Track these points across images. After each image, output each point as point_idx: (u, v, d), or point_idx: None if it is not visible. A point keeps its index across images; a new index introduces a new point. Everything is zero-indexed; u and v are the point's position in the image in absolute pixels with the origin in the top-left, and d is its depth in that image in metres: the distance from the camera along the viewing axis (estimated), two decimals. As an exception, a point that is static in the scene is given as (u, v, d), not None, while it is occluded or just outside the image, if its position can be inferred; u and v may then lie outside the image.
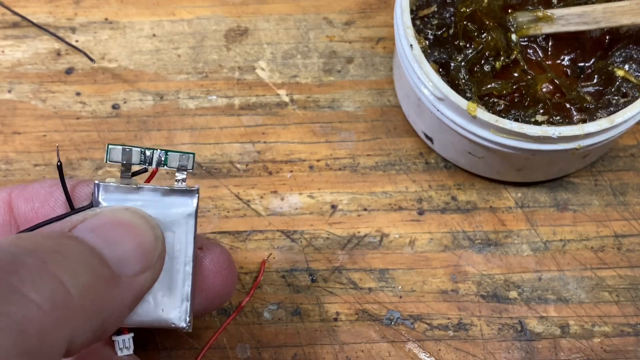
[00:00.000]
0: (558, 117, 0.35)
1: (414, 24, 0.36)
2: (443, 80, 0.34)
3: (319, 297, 0.36)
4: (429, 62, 0.34)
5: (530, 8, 0.37)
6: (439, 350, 0.35)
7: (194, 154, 0.29)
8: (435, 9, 0.37)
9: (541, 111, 0.35)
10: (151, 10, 0.42)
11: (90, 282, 0.23)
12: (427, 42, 0.36)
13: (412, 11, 0.37)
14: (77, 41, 0.41)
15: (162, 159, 0.28)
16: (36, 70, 0.41)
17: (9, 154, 0.39)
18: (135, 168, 0.28)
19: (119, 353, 0.28)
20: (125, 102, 0.40)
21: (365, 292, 0.36)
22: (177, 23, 0.42)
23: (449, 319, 0.36)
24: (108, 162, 0.28)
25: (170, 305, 0.28)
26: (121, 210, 0.26)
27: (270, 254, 0.37)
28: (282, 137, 0.39)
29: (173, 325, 0.28)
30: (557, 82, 0.36)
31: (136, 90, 0.40)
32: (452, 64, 0.36)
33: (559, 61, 0.37)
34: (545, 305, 0.36)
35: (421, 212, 0.38)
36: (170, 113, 0.40)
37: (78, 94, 0.40)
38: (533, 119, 0.35)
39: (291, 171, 0.39)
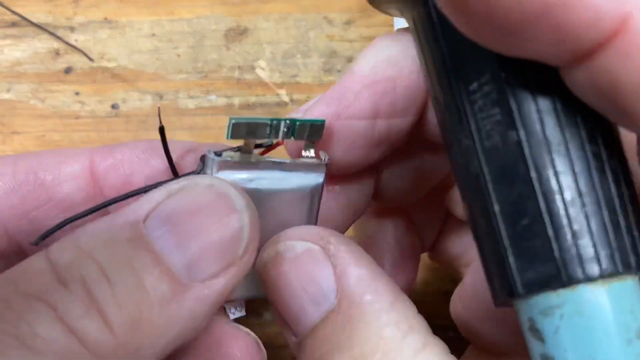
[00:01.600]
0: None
1: (414, 23, 0.36)
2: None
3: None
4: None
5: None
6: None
7: (323, 120, 0.25)
8: (436, 8, 0.37)
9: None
10: (150, 9, 0.42)
11: (138, 313, 0.19)
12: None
13: (412, 10, 0.37)
14: (76, 40, 0.41)
15: (291, 128, 0.24)
16: (35, 69, 0.41)
17: (8, 154, 0.39)
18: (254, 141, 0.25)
19: (231, 316, 0.26)
20: (124, 102, 0.40)
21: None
22: (177, 22, 0.42)
23: (449, 319, 0.36)
24: (230, 138, 0.23)
25: None
26: (203, 189, 0.21)
27: (270, 254, 0.37)
28: (282, 137, 0.39)
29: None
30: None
31: (135, 90, 0.40)
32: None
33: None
34: None
35: (422, 212, 0.38)
36: (170, 113, 0.40)
37: (77, 93, 0.40)
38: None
39: (291, 171, 0.39)
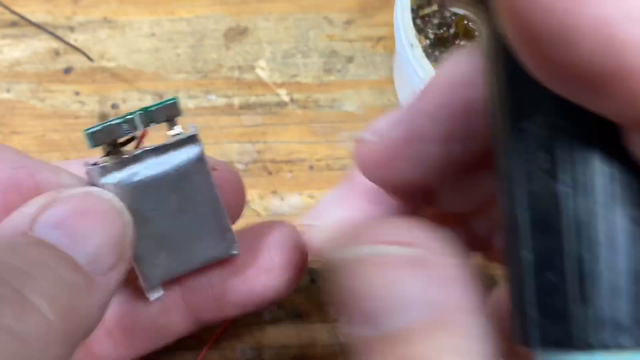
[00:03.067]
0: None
1: (414, 23, 0.36)
2: (444, 79, 0.34)
3: (319, 297, 0.36)
4: (429, 61, 0.34)
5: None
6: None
7: (176, 98, 0.27)
8: (436, 8, 0.37)
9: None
10: (150, 9, 0.42)
11: (68, 301, 0.21)
12: (427, 42, 0.36)
13: (412, 10, 0.37)
14: (75, 40, 0.41)
15: (147, 118, 0.26)
16: (34, 69, 0.41)
17: (7, 153, 0.39)
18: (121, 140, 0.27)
19: (151, 298, 0.27)
20: (124, 102, 0.40)
21: (366, 293, 0.36)
22: (176, 22, 0.42)
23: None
24: (90, 147, 0.26)
25: (216, 242, 0.28)
26: (83, 195, 0.24)
27: (270, 254, 0.37)
28: (282, 137, 0.39)
29: (225, 256, 0.28)
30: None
31: (135, 90, 0.40)
32: (453, 64, 0.36)
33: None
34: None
35: (422, 212, 0.38)
36: (170, 113, 0.40)
37: (77, 93, 0.40)
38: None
39: (291, 171, 0.39)
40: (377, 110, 0.40)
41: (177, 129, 0.27)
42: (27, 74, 0.40)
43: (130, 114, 0.26)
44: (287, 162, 0.39)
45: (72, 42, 0.41)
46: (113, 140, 0.26)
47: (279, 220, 0.30)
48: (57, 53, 0.41)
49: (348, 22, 0.42)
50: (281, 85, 0.41)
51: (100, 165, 0.25)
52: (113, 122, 0.25)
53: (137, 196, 0.26)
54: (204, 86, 0.40)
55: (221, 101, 0.40)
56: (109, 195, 0.24)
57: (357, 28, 0.42)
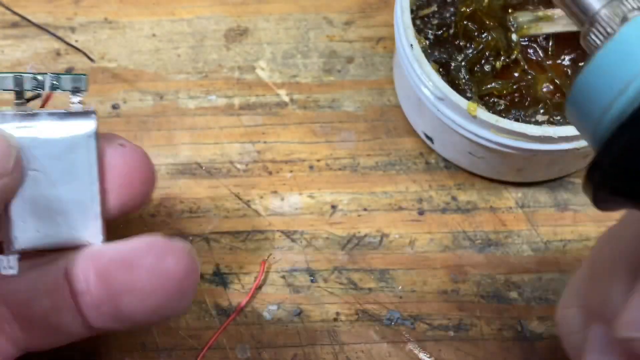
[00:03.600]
0: (558, 117, 0.35)
1: (414, 24, 0.36)
2: (443, 80, 0.34)
3: (319, 297, 0.36)
4: (429, 61, 0.34)
5: (530, 8, 0.37)
6: (440, 350, 0.35)
7: (86, 75, 0.29)
8: (436, 9, 0.37)
9: (542, 111, 0.35)
10: (151, 9, 0.42)
11: None
12: (427, 42, 0.36)
13: (412, 11, 0.37)
14: (76, 41, 0.41)
15: (55, 83, 0.28)
16: (36, 70, 0.41)
17: (8, 154, 0.39)
18: (28, 95, 0.28)
19: (2, 271, 0.28)
20: (125, 102, 0.40)
21: (366, 293, 0.36)
22: (177, 23, 0.42)
23: (449, 319, 0.36)
24: (1, 90, 0.28)
25: (82, 225, 0.28)
26: None
27: (270, 254, 0.37)
28: (282, 137, 0.39)
29: (87, 243, 0.28)
30: (558, 82, 0.36)
31: (136, 90, 0.40)
32: (453, 64, 0.36)
33: (559, 61, 0.37)
34: (546, 306, 0.36)
35: (421, 212, 0.38)
36: (170, 113, 0.40)
37: (78, 93, 0.40)
38: (533, 119, 0.35)
39: (291, 171, 0.39)
40: (376, 111, 0.40)
41: (77, 100, 0.29)
42: (29, 75, 0.41)
43: (42, 74, 0.28)
44: (287, 162, 0.39)
45: (73, 42, 0.41)
46: (20, 92, 0.28)
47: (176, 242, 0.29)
48: (58, 54, 0.41)
49: (348, 23, 0.42)
50: (281, 85, 0.41)
51: (0, 112, 0.27)
52: (25, 74, 0.28)
53: (23, 151, 0.27)
54: (205, 86, 0.40)
55: (221, 101, 0.40)
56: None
57: (356, 29, 0.42)
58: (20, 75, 0.28)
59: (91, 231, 0.28)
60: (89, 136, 0.28)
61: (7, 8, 0.41)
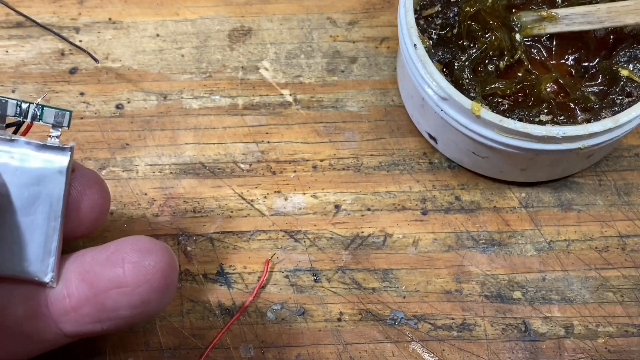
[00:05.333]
0: (562, 117, 0.35)
1: (417, 24, 0.36)
2: (447, 80, 0.34)
3: (322, 297, 0.36)
4: (432, 61, 0.34)
5: (534, 8, 0.37)
6: (443, 350, 0.35)
7: (71, 111, 0.29)
8: (439, 9, 0.37)
9: (545, 111, 0.35)
10: (155, 10, 0.42)
11: None
12: (430, 42, 0.36)
13: (415, 11, 0.37)
14: (80, 41, 0.41)
15: (38, 113, 0.28)
16: (40, 70, 0.41)
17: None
18: (10, 120, 0.28)
19: None
20: (129, 102, 0.40)
21: (369, 292, 0.36)
22: (181, 23, 0.42)
23: (452, 319, 0.36)
24: None
25: (34, 259, 0.28)
26: None
27: (274, 254, 0.37)
28: (286, 137, 0.39)
29: (36, 279, 0.28)
30: (562, 82, 0.36)
31: (140, 90, 0.40)
32: (456, 64, 0.36)
33: (563, 61, 0.37)
34: (550, 306, 0.36)
35: (425, 212, 0.38)
36: (174, 113, 0.40)
37: (82, 93, 0.40)
38: (537, 119, 0.35)
39: (295, 171, 0.39)
40: (380, 110, 0.40)
41: (56, 134, 0.29)
42: (33, 75, 0.41)
43: (27, 102, 0.28)
44: (290, 162, 0.39)
45: (77, 42, 0.41)
46: (1, 116, 0.28)
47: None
48: (62, 54, 0.41)
49: (351, 23, 0.42)
50: (285, 85, 0.41)
51: None
52: (10, 100, 0.28)
53: None
54: (208, 87, 0.41)
55: (225, 101, 0.40)
56: None
57: (360, 29, 0.42)
58: (5, 100, 0.28)
59: (42, 267, 0.28)
60: (60, 172, 0.28)
61: (12, 8, 0.41)
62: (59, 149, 0.28)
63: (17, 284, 0.28)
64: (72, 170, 0.29)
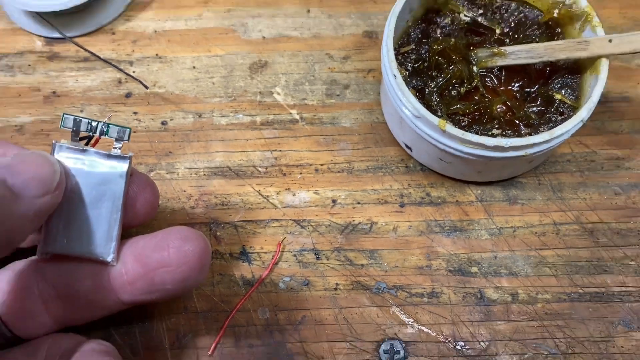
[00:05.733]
0: (509, 131, 0.35)
1: (396, 59, 0.36)
2: (419, 102, 0.34)
3: (322, 271, 0.36)
4: (408, 88, 0.34)
5: (487, 46, 0.37)
6: (416, 313, 0.35)
7: (130, 128, 0.29)
8: (414, 47, 0.37)
9: (496, 126, 0.35)
10: (192, 48, 0.42)
11: None
12: (407, 72, 0.37)
13: (395, 48, 0.37)
14: (134, 72, 0.42)
15: (105, 129, 0.28)
16: (102, 94, 0.41)
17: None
18: (83, 134, 0.29)
19: (39, 256, 0.28)
20: (171, 120, 0.40)
21: (359, 268, 0.36)
22: (212, 58, 0.42)
23: (424, 288, 0.36)
24: (62, 127, 0.28)
25: (100, 243, 0.28)
26: (27, 153, 0.26)
27: (284, 237, 0.37)
28: (294, 147, 0.40)
29: (101, 259, 0.28)
30: (509, 104, 0.36)
31: (180, 110, 0.40)
32: (427, 90, 0.36)
33: (510, 87, 0.37)
34: (500, 278, 0.36)
35: (402, 205, 0.38)
36: (207, 128, 0.40)
37: (135, 113, 0.40)
38: (490, 133, 0.35)
39: (300, 173, 0.39)
40: (367, 126, 0.40)
41: (118, 146, 0.29)
42: (97, 98, 0.41)
43: (96, 121, 0.28)
44: (297, 166, 0.39)
45: (131, 73, 0.41)
46: (76, 130, 0.28)
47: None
48: (119, 82, 0.41)
49: (345, 58, 0.42)
50: (293, 106, 0.41)
51: (59, 143, 0.28)
52: (83, 119, 0.28)
53: (68, 177, 0.27)
54: (233, 107, 0.41)
55: (246, 119, 0.40)
56: (49, 155, 0.27)
57: (352, 62, 0.42)
58: (79, 119, 0.28)
59: (105, 249, 0.28)
60: (121, 175, 0.28)
61: (80, 46, 0.42)
62: (121, 157, 0.28)
63: (86, 263, 0.29)
64: (130, 174, 0.29)
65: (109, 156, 0.28)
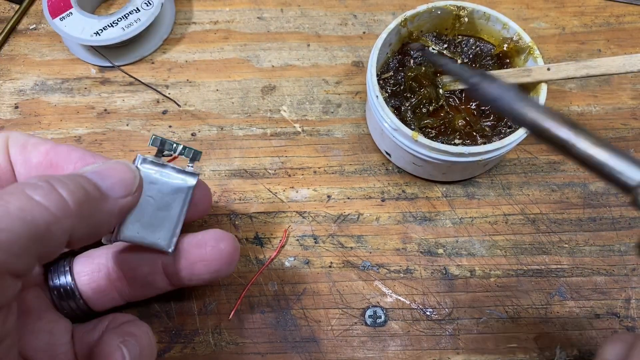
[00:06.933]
0: (468, 141, 0.35)
1: (378, 83, 0.36)
2: (397, 118, 0.34)
3: (319, 252, 0.36)
4: (388, 106, 0.34)
5: (451, 73, 0.37)
6: (394, 286, 0.35)
7: (201, 152, 0.29)
8: (392, 74, 0.38)
9: (458, 137, 0.35)
10: (215, 74, 0.43)
11: (84, 198, 0.22)
12: (387, 94, 0.37)
13: (377, 75, 0.37)
14: (169, 93, 0.42)
15: (183, 151, 0.28)
16: (143, 112, 0.41)
17: (127, 163, 0.39)
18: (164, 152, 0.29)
19: (104, 241, 0.28)
20: (199, 132, 0.40)
21: (349, 250, 0.36)
22: (232, 82, 0.42)
23: (400, 266, 0.36)
24: (150, 145, 0.28)
25: (165, 237, 0.28)
26: (114, 162, 0.26)
27: (289, 226, 0.37)
28: (297, 154, 0.40)
29: (163, 250, 0.28)
30: (468, 119, 0.36)
31: (206, 124, 0.41)
32: (403, 108, 0.36)
33: (468, 106, 0.37)
34: (460, 258, 0.36)
35: (383, 200, 0.38)
36: (227, 139, 0.40)
37: (170, 126, 0.40)
38: (453, 142, 0.35)
39: (302, 174, 0.39)
40: (355, 137, 0.40)
41: (191, 164, 0.29)
42: (139, 115, 0.41)
43: (178, 143, 0.28)
44: (299, 169, 0.39)
45: (167, 94, 0.41)
46: (161, 149, 0.28)
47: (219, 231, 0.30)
48: (157, 102, 0.41)
49: (338, 82, 0.42)
50: (296, 121, 0.41)
51: (142, 156, 0.28)
52: (167, 140, 0.28)
53: (146, 183, 0.27)
54: (249, 122, 0.41)
55: (259, 131, 0.40)
56: (130, 163, 0.26)
57: (343, 86, 0.42)
58: (165, 140, 0.28)
59: (168, 243, 0.28)
60: (189, 188, 0.28)
61: (127, 73, 0.42)
62: (192, 174, 0.28)
63: (147, 253, 0.29)
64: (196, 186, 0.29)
65: (183, 171, 0.28)
